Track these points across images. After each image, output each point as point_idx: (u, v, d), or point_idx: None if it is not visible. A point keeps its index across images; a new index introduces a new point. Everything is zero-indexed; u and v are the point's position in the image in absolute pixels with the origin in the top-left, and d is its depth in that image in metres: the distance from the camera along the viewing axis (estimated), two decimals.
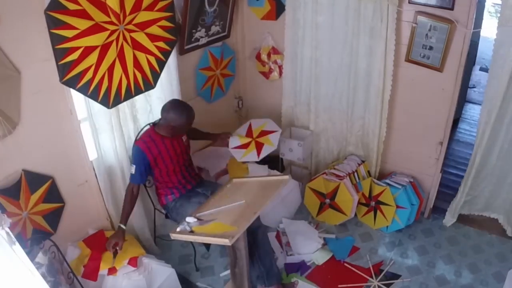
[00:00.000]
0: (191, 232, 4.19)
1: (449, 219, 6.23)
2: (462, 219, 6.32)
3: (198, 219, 4.36)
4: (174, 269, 5.12)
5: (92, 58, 4.27)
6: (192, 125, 5.19)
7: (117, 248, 4.72)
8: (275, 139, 5.98)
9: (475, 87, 10.16)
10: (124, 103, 4.93)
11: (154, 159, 4.96)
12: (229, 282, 5.26)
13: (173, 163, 5.11)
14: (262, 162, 6.49)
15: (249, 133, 6.11)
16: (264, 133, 6.09)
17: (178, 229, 4.22)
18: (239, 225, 4.07)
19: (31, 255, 4.11)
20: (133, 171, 4.93)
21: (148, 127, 5.20)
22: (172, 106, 5.01)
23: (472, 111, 9.32)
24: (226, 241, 3.83)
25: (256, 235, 5.09)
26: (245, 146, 6.00)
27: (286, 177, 4.89)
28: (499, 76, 4.98)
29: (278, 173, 6.35)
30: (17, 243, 2.44)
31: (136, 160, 4.92)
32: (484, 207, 6.25)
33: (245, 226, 4.12)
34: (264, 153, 5.92)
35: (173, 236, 4.21)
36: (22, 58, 4.02)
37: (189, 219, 4.32)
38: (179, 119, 4.94)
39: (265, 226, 5.26)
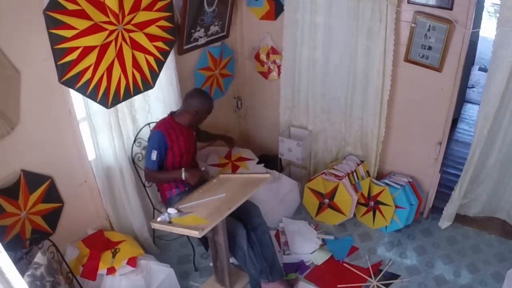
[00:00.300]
0: (170, 222, 4.30)
1: (445, 222, 6.23)
2: (461, 219, 6.34)
3: (179, 210, 4.46)
4: (173, 269, 5.13)
5: (91, 58, 4.27)
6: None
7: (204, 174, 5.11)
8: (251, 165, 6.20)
9: (474, 87, 10.17)
10: (123, 103, 4.93)
11: (172, 144, 5.00)
12: (212, 276, 5.36)
13: (186, 152, 5.16)
14: (260, 162, 6.52)
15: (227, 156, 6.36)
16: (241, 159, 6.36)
17: (158, 219, 4.34)
18: (213, 219, 4.21)
19: (30, 255, 4.12)
20: (154, 157, 4.94)
21: (147, 126, 5.23)
22: (198, 92, 5.24)
23: (471, 111, 9.32)
24: (196, 233, 4.01)
25: (257, 232, 5.14)
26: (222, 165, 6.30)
27: (268, 175, 4.98)
28: (498, 76, 4.98)
29: (265, 170, 6.35)
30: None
31: (157, 144, 4.95)
32: (482, 210, 6.27)
33: (218, 220, 4.27)
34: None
35: (153, 225, 4.38)
36: (21, 58, 4.03)
37: (171, 210, 4.44)
38: (203, 104, 5.11)
39: (265, 223, 5.28)
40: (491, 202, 6.19)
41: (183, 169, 4.90)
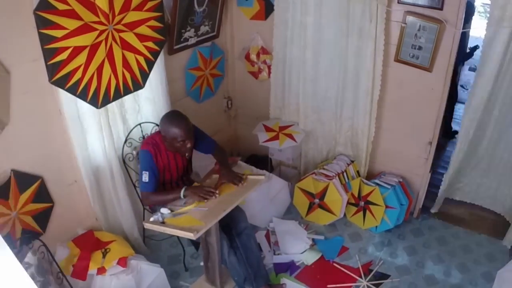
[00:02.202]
0: (163, 223, 4.29)
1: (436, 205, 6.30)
2: (452, 219, 6.38)
3: (172, 211, 4.45)
4: (163, 269, 5.13)
5: (81, 58, 4.26)
6: (192, 137, 4.75)
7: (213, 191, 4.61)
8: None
9: (466, 89, 10.18)
10: (113, 103, 4.91)
11: (159, 166, 4.80)
12: (202, 276, 5.36)
13: (172, 177, 5.03)
14: (251, 162, 6.51)
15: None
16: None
17: (151, 219, 4.33)
18: (207, 220, 4.21)
19: (21, 255, 4.11)
20: (146, 178, 4.66)
21: (138, 127, 5.21)
22: (167, 115, 4.83)
23: (461, 111, 9.33)
24: (191, 235, 4.01)
25: (242, 237, 5.12)
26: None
27: (262, 177, 4.96)
28: (487, 75, 5.00)
29: (261, 172, 6.31)
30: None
31: (148, 165, 4.69)
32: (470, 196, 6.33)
33: (213, 222, 4.28)
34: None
35: (146, 225, 4.36)
36: (11, 58, 4.02)
37: (164, 210, 4.42)
38: (168, 130, 4.65)
39: (251, 227, 5.26)
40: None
41: (183, 188, 4.60)
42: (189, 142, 4.68)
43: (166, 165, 4.85)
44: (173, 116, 4.75)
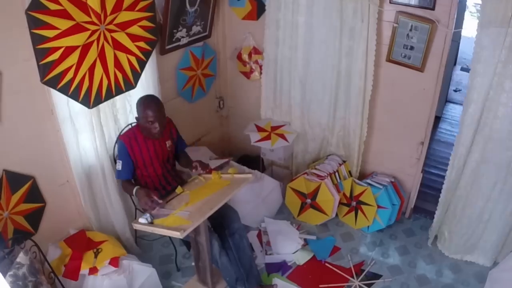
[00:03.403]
0: (151, 223, 4.29)
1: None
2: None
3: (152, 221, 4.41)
4: (155, 269, 5.13)
5: (73, 58, 4.26)
6: (162, 121, 4.80)
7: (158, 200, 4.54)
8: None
9: (460, 90, 10.20)
10: (105, 103, 4.92)
11: (134, 155, 4.87)
12: (194, 276, 5.35)
13: (153, 166, 5.04)
14: (242, 162, 6.52)
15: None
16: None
17: (140, 219, 4.31)
18: (194, 219, 4.22)
19: (12, 255, 4.11)
20: (119, 166, 4.86)
21: (129, 126, 5.21)
22: (140, 98, 4.88)
23: (453, 111, 9.37)
24: (177, 234, 4.01)
25: (234, 237, 5.12)
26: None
27: (250, 175, 4.96)
28: (480, 77, 4.99)
29: (252, 171, 6.32)
30: None
31: (122, 155, 4.86)
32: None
33: (200, 221, 4.27)
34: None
35: (135, 225, 4.36)
36: (3, 58, 4.02)
37: (142, 220, 4.36)
38: (138, 108, 4.79)
39: (244, 228, 5.25)
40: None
41: (135, 188, 4.65)
42: (158, 123, 4.74)
43: (144, 154, 4.91)
44: (147, 98, 4.87)
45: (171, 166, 5.30)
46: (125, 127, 5.27)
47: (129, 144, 4.81)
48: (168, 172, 5.23)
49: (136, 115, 4.83)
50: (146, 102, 4.76)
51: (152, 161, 4.99)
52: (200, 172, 4.95)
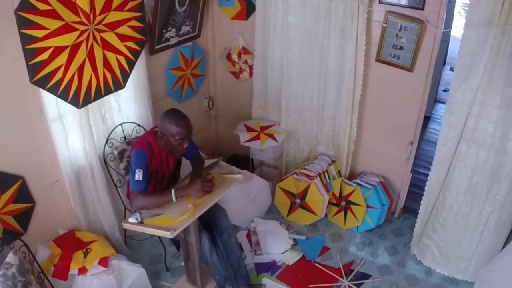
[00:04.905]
0: (141, 223, 4.29)
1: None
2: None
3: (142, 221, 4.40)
4: (144, 269, 5.14)
5: (62, 58, 4.26)
6: (187, 140, 4.61)
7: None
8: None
9: (449, 90, 10.21)
10: (94, 103, 4.91)
11: (149, 170, 4.67)
12: (184, 276, 5.37)
13: (162, 181, 4.94)
14: (232, 162, 6.52)
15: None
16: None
17: (130, 219, 4.31)
18: (184, 220, 4.24)
19: (2, 255, 4.10)
20: (140, 176, 4.44)
21: (119, 127, 5.19)
22: (167, 112, 4.64)
23: (443, 111, 9.34)
24: (168, 234, 4.04)
25: (223, 236, 5.13)
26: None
27: (240, 175, 4.97)
28: (465, 76, 5.00)
29: (241, 171, 6.29)
30: None
31: (143, 164, 4.50)
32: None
33: (190, 221, 4.28)
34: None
35: (124, 225, 4.36)
36: None
37: (132, 220, 4.37)
38: (166, 127, 4.50)
39: (232, 227, 5.25)
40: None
41: (173, 190, 4.44)
42: (187, 142, 4.58)
43: (158, 167, 4.78)
44: (175, 113, 4.62)
45: (179, 173, 5.26)
46: (115, 127, 5.25)
47: (149, 154, 4.60)
48: (171, 183, 5.10)
49: (160, 129, 4.60)
50: (178, 119, 4.53)
51: (164, 172, 4.90)
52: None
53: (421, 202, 5.69)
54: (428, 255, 5.80)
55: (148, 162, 4.57)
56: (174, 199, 4.43)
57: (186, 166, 5.27)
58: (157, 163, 4.74)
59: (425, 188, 5.62)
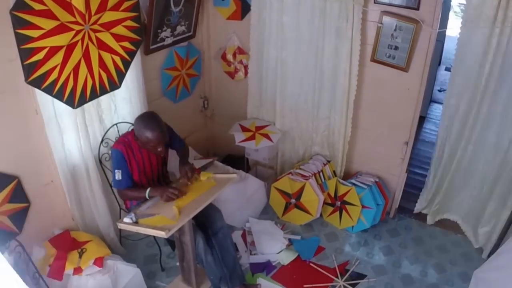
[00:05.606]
0: (136, 223, 4.30)
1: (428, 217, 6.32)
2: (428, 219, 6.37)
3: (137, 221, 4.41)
4: (140, 269, 5.14)
5: (58, 58, 4.26)
6: (165, 141, 4.69)
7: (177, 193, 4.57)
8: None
9: (444, 90, 10.23)
10: (89, 103, 4.91)
11: (131, 167, 4.78)
12: (179, 276, 5.38)
13: (146, 177, 4.96)
14: (227, 162, 6.52)
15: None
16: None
17: (125, 219, 4.31)
18: (179, 220, 4.26)
19: None
20: (119, 176, 4.66)
21: (114, 127, 5.19)
22: (142, 116, 4.72)
23: (438, 111, 9.39)
24: (162, 233, 4.06)
25: (218, 237, 5.13)
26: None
27: (234, 175, 4.99)
28: (462, 74, 5.01)
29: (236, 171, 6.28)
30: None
31: (120, 164, 4.66)
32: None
33: (184, 221, 4.30)
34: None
35: (119, 225, 4.35)
36: None
37: (127, 220, 4.36)
38: (141, 131, 4.55)
39: (227, 227, 5.26)
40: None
41: (148, 189, 4.61)
42: (161, 147, 4.61)
43: (139, 164, 4.81)
44: (148, 119, 4.63)
45: (165, 169, 5.28)
46: (110, 127, 5.26)
47: (126, 153, 4.69)
48: (159, 180, 5.18)
49: (136, 132, 4.65)
50: (149, 125, 4.54)
51: (146, 169, 4.92)
52: (189, 177, 4.85)
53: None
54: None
55: (127, 160, 4.70)
56: (147, 197, 4.61)
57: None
58: (139, 160, 4.80)
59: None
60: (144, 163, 4.86)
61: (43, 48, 4.11)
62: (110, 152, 5.14)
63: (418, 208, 6.37)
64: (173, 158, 5.38)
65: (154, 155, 4.91)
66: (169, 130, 4.96)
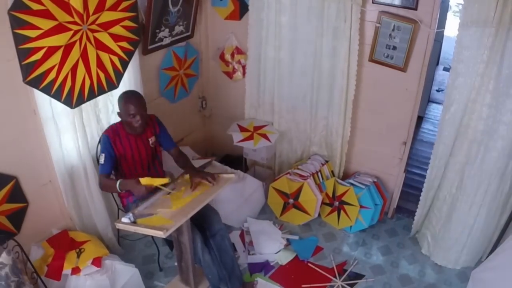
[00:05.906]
0: (134, 223, 4.29)
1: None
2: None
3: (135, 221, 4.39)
4: (138, 269, 5.13)
5: (56, 58, 4.26)
6: (143, 115, 4.77)
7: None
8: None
9: (442, 90, 10.23)
10: (87, 103, 4.91)
11: (118, 150, 4.84)
12: (177, 276, 5.37)
13: (135, 165, 5.01)
14: (225, 162, 6.52)
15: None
16: None
17: (123, 219, 4.30)
18: (177, 219, 4.24)
19: None
20: (102, 160, 4.75)
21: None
22: (119, 97, 4.83)
23: (436, 111, 9.40)
24: (160, 233, 4.04)
25: (216, 238, 5.12)
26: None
27: (232, 175, 4.97)
28: (461, 76, 5.01)
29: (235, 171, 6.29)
30: None
31: (105, 147, 4.77)
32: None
33: (182, 221, 4.30)
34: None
35: (117, 225, 4.35)
36: None
37: (125, 219, 4.35)
38: (119, 104, 4.76)
39: (225, 229, 5.24)
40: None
41: (118, 181, 4.58)
42: (139, 116, 4.70)
43: (127, 150, 4.88)
44: (127, 92, 4.87)
45: (157, 163, 5.27)
46: (108, 126, 5.25)
47: (113, 139, 4.78)
48: (154, 168, 5.20)
49: (118, 111, 4.80)
50: (127, 97, 4.75)
51: (134, 157, 4.95)
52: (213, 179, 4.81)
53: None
54: (424, 244, 5.91)
55: (113, 146, 4.80)
56: (118, 190, 4.56)
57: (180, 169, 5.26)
58: (126, 146, 4.87)
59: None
60: (132, 150, 4.92)
61: (41, 48, 4.10)
62: None
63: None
64: (170, 158, 5.37)
65: (142, 143, 4.96)
66: (163, 129, 5.11)
